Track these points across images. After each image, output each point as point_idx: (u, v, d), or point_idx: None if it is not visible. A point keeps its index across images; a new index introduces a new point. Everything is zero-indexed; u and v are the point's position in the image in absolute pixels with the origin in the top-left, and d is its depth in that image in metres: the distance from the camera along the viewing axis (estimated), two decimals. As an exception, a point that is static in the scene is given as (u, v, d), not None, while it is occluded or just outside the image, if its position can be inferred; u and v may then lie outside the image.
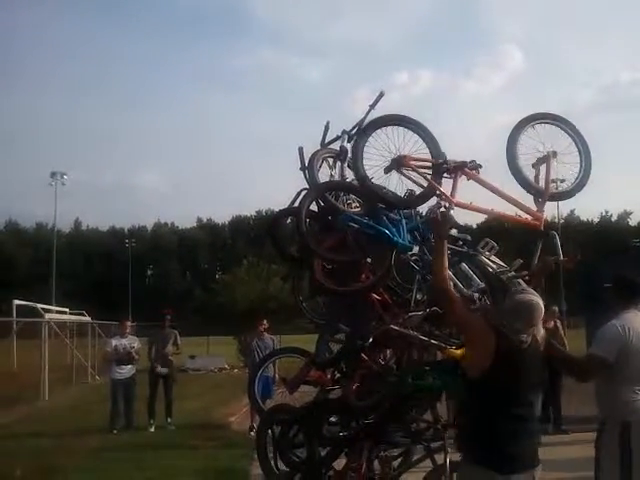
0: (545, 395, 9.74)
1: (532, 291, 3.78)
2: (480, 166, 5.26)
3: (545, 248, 5.12)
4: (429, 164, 5.29)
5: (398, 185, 5.39)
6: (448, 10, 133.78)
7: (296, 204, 5.66)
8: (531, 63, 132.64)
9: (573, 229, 74.52)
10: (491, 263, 5.35)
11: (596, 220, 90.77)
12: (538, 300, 3.66)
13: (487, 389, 3.61)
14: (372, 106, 5.65)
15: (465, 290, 5.09)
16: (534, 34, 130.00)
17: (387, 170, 5.23)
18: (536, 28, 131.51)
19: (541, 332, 3.83)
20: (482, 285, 5.10)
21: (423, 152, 5.32)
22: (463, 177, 5.29)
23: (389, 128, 5.32)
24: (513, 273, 5.16)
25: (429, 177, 5.27)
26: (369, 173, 5.30)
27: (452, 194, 5.22)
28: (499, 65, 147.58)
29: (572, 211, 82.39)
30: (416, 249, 5.25)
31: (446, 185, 5.29)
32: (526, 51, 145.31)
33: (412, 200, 5.41)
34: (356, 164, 5.30)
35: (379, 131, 5.32)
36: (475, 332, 3.76)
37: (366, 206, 5.44)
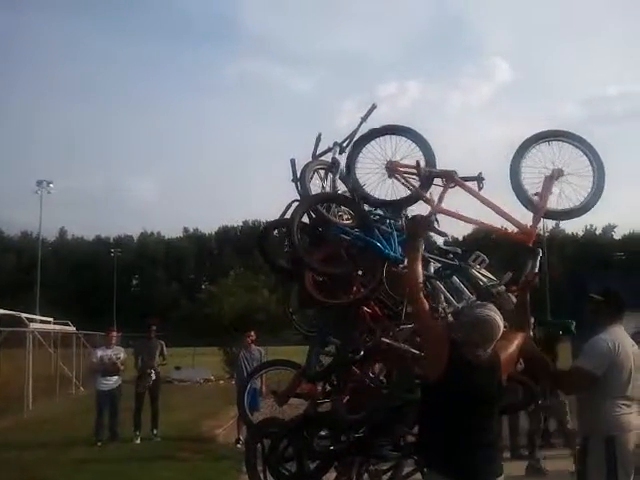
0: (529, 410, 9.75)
1: (492, 307, 3.77)
2: (483, 179, 5.19)
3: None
4: (415, 171, 5.30)
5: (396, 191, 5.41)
6: (436, 23, 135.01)
7: (287, 215, 5.66)
8: (519, 76, 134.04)
9: (558, 242, 75.00)
10: (481, 276, 5.36)
11: (581, 233, 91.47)
12: (496, 316, 3.67)
13: (438, 396, 3.67)
14: (364, 118, 5.67)
15: (455, 303, 5.10)
16: (522, 47, 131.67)
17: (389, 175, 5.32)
18: (524, 41, 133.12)
19: (509, 351, 3.86)
20: (472, 298, 5.10)
21: (419, 159, 5.31)
22: (456, 187, 5.27)
23: (386, 137, 5.39)
24: (503, 286, 5.16)
25: (416, 183, 5.29)
26: (364, 180, 5.40)
27: (438, 201, 5.23)
28: (487, 77, 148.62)
29: (557, 224, 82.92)
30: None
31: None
32: (514, 64, 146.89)
33: (396, 201, 5.40)
34: (349, 169, 5.42)
35: (377, 140, 5.41)
36: (432, 337, 3.82)
37: (357, 218, 5.44)
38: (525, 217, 5.16)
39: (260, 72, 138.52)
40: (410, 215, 5.32)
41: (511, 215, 5.13)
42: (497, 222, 5.35)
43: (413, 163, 5.32)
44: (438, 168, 5.32)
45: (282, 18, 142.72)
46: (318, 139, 5.85)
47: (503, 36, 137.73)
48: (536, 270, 4.84)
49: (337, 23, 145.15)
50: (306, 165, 5.65)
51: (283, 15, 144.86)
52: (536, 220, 5.10)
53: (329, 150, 5.81)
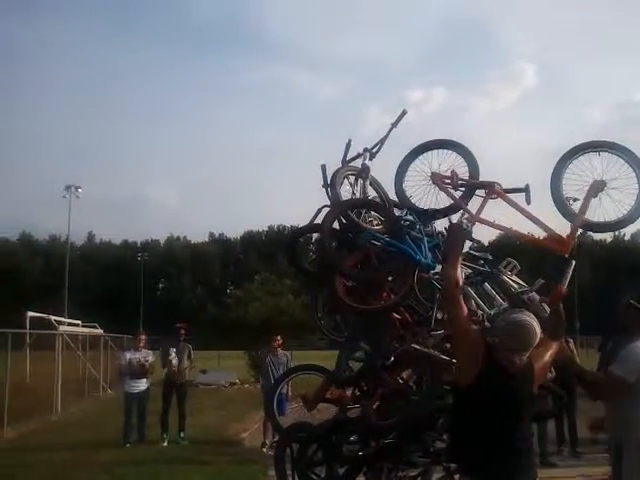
0: (558, 417, 9.70)
1: (529, 313, 3.75)
2: (529, 190, 5.13)
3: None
4: (459, 182, 5.33)
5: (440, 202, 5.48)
6: (461, 27, 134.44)
7: (316, 221, 5.69)
8: (545, 81, 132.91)
9: (586, 248, 74.15)
10: (513, 283, 5.33)
11: (609, 239, 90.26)
12: (534, 323, 3.64)
13: (473, 401, 3.64)
14: (394, 124, 5.70)
15: (486, 309, 5.08)
16: (548, 52, 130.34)
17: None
18: (550, 46, 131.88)
19: (543, 360, 3.85)
20: (504, 304, 5.07)
21: (463, 172, 5.38)
22: (497, 198, 5.27)
23: (433, 152, 5.48)
24: (535, 293, 5.13)
25: (455, 194, 5.32)
26: (410, 192, 5.51)
27: (478, 211, 5.23)
28: (513, 82, 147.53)
29: (584, 231, 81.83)
30: (438, 267, 5.23)
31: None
32: (540, 69, 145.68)
33: (437, 211, 5.41)
34: (399, 183, 5.53)
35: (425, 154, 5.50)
36: (467, 342, 3.78)
37: (388, 224, 5.45)
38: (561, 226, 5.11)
39: (283, 78, 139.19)
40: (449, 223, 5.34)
41: (548, 225, 5.07)
42: (533, 231, 5.32)
43: (448, 175, 5.36)
44: (481, 179, 5.33)
45: (304, 24, 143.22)
46: (348, 145, 5.87)
47: (529, 40, 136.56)
48: (565, 281, 4.76)
49: (360, 28, 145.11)
50: (336, 171, 5.67)
51: (305, 21, 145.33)
52: (573, 231, 5.03)
53: (359, 156, 5.83)
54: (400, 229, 5.32)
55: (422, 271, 5.21)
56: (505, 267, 5.35)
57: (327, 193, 5.64)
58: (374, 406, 5.24)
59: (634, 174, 4.94)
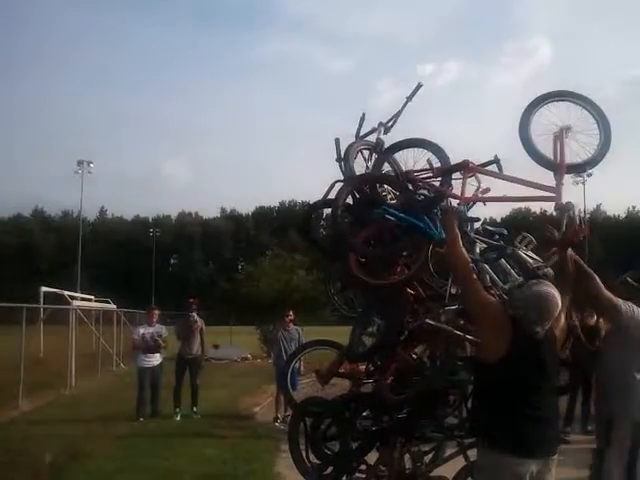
0: (571, 394, 9.71)
1: (549, 284, 3.77)
2: (499, 160, 5.25)
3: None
4: (431, 172, 5.33)
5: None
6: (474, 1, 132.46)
7: (330, 196, 5.63)
8: (559, 54, 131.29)
9: (600, 224, 73.80)
10: (528, 258, 5.28)
11: (623, 215, 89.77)
12: (555, 293, 3.66)
13: (502, 375, 3.65)
14: (409, 98, 5.63)
15: (501, 284, 5.04)
16: (563, 25, 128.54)
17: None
18: (566, 20, 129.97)
19: (561, 323, 3.88)
20: (520, 280, 5.02)
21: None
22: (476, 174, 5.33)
23: (403, 151, 5.54)
24: (550, 269, 5.09)
25: (434, 183, 5.31)
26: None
27: (461, 192, 5.20)
28: (526, 56, 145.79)
29: (598, 206, 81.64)
30: None
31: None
32: (555, 42, 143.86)
33: (420, 204, 5.33)
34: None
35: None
36: (491, 315, 3.80)
37: (403, 198, 5.39)
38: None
39: (295, 53, 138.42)
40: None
41: (533, 181, 5.10)
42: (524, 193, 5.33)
43: (421, 168, 5.37)
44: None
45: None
46: (362, 119, 5.81)
47: (542, 14, 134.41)
48: (576, 224, 4.77)
49: (374, 1, 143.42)
50: (350, 145, 5.61)
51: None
52: (559, 177, 5.03)
53: (374, 131, 5.76)
54: (414, 203, 5.26)
55: (436, 246, 5.17)
56: (520, 242, 5.29)
57: (340, 167, 5.58)
58: (387, 381, 5.24)
59: (593, 118, 5.17)
